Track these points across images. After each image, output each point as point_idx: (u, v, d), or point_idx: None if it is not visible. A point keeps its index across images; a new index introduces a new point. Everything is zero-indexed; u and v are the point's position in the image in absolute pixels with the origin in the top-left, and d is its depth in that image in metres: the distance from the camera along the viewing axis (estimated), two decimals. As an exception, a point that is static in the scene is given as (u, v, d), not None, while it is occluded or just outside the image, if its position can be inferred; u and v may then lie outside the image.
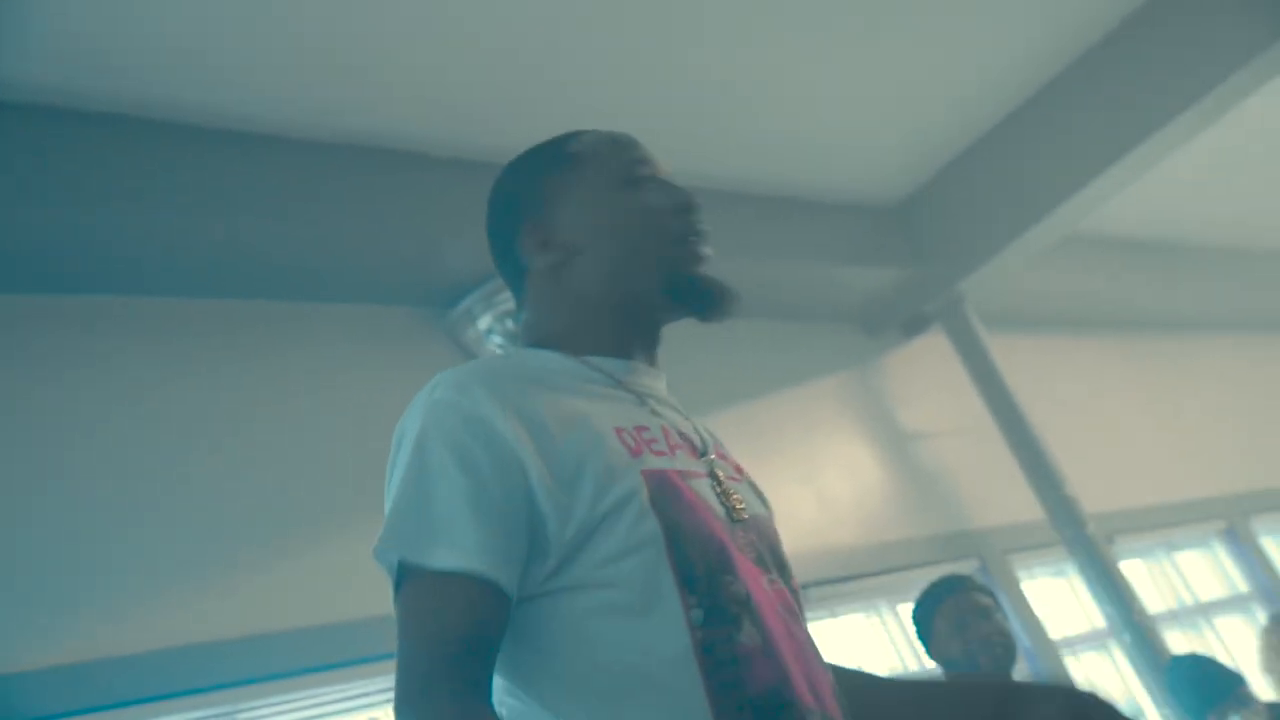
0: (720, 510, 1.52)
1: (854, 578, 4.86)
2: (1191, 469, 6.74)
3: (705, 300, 1.62)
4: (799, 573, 1.67)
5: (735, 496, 1.57)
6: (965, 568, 5.07)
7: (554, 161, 1.70)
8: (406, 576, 1.40)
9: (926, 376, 5.87)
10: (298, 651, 3.66)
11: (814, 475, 5.09)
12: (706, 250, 1.64)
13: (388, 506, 1.45)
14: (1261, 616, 5.98)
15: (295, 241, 4.13)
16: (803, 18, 4.53)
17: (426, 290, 4.48)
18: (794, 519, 4.69)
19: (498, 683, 1.44)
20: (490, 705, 1.37)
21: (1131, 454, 6.44)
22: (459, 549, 1.38)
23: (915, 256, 5.72)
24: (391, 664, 1.47)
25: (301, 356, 4.19)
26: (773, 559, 1.57)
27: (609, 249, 1.63)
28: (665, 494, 1.47)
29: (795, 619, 1.52)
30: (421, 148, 4.39)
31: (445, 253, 4.33)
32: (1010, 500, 5.56)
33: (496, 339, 4.46)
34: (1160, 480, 6.48)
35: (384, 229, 4.32)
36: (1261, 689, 4.73)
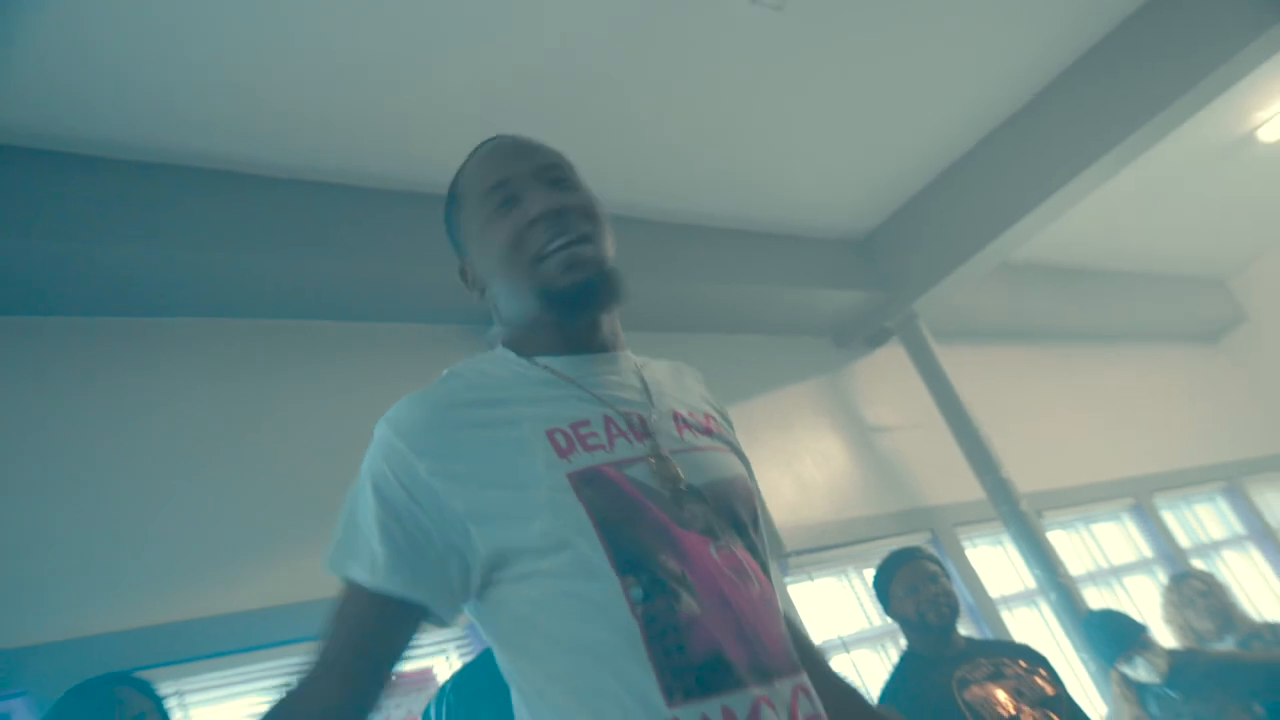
0: (661, 489, 1.45)
1: (826, 548, 4.88)
2: (1105, 455, 6.73)
3: (576, 304, 1.51)
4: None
5: (677, 470, 1.47)
6: (918, 539, 5.13)
7: (451, 203, 1.62)
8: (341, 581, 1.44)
9: (886, 381, 5.88)
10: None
11: (792, 463, 5.10)
12: (569, 250, 1.49)
13: None
14: (1163, 577, 6.01)
15: (364, 273, 4.09)
16: (791, 90, 4.55)
17: (468, 305, 4.42)
18: (776, 500, 4.84)
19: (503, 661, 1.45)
20: (353, 691, 1.38)
21: (1056, 443, 6.44)
22: (367, 567, 1.39)
23: (877, 281, 5.72)
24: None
25: (365, 366, 4.15)
26: (728, 521, 1.49)
27: (500, 280, 1.54)
28: (595, 486, 1.42)
29: (746, 579, 1.45)
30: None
31: None
32: (956, 482, 5.59)
33: None
34: (1080, 464, 6.50)
35: (436, 262, 4.30)
36: (1162, 637, 4.67)
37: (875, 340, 5.90)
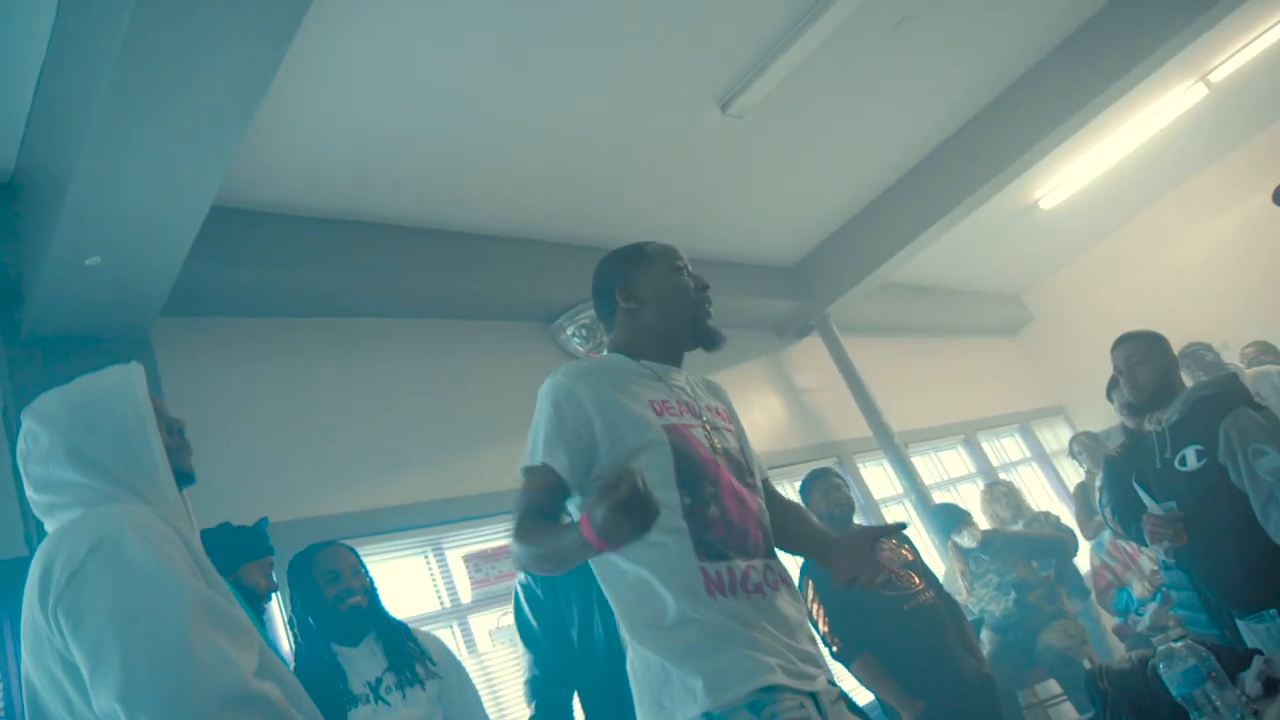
0: (708, 445, 1.60)
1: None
2: (947, 407, 6.79)
3: (709, 341, 1.71)
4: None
5: (716, 438, 1.63)
6: (828, 462, 5.29)
7: (638, 253, 1.73)
8: (524, 474, 1.56)
9: (809, 359, 5.91)
10: (476, 505, 3.57)
11: (747, 413, 4.07)
12: (710, 311, 1.71)
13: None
14: (980, 484, 6.12)
15: (474, 291, 4.00)
16: (745, 169, 4.51)
17: (539, 311, 4.38)
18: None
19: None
20: (544, 518, 1.47)
21: (916, 400, 6.44)
22: (541, 454, 1.52)
23: (803, 293, 5.77)
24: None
25: (469, 355, 4.07)
26: (744, 470, 1.64)
27: (663, 304, 1.68)
28: (675, 434, 1.56)
29: (744, 502, 1.58)
30: (544, 236, 4.32)
31: (550, 291, 4.27)
32: (853, 424, 5.72)
33: (576, 340, 4.40)
34: (931, 413, 6.56)
35: (522, 279, 4.18)
36: (980, 521, 4.94)
37: (802, 333, 5.93)
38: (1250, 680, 1.81)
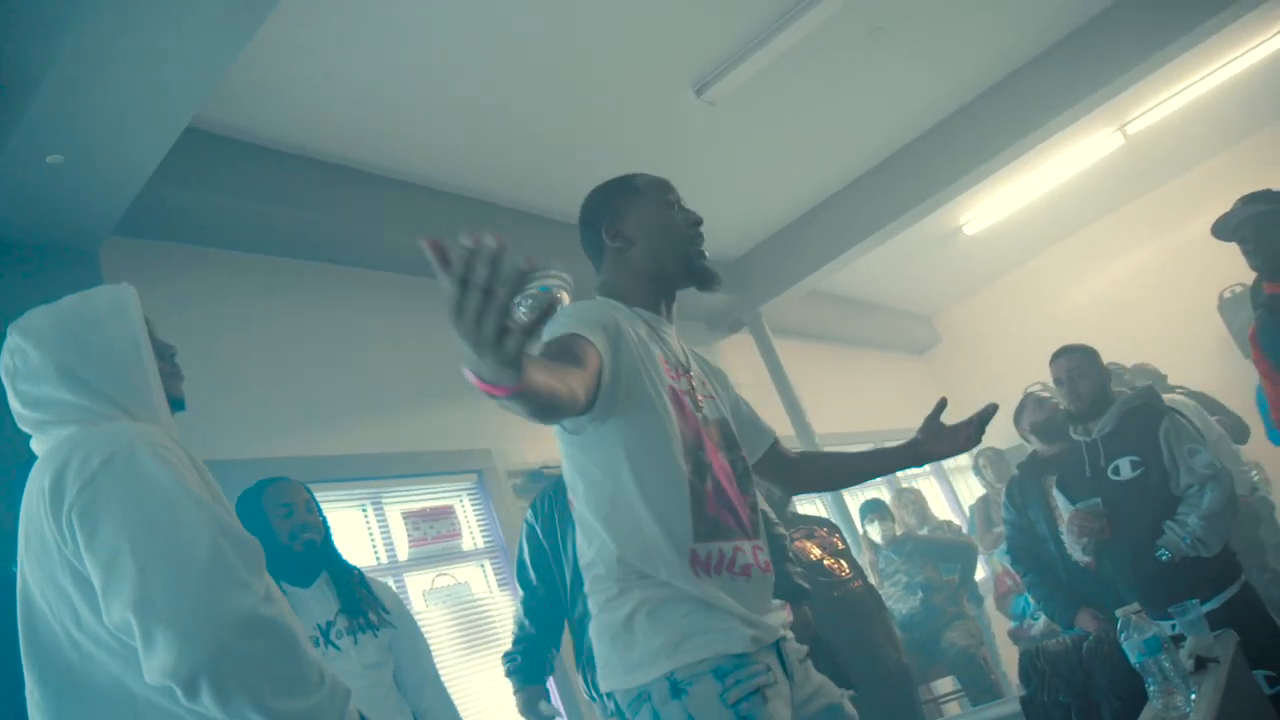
0: (695, 411, 1.55)
1: None
2: (861, 415, 6.88)
3: (703, 279, 1.62)
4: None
5: (702, 401, 1.58)
6: None
7: (626, 187, 1.65)
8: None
9: (739, 354, 5.96)
10: (419, 463, 3.53)
11: None
12: (703, 250, 1.62)
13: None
14: (887, 491, 6.05)
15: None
16: (700, 159, 4.56)
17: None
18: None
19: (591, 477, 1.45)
20: (555, 361, 1.29)
21: (834, 405, 6.42)
22: (569, 329, 1.39)
23: (740, 289, 5.81)
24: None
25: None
26: (727, 440, 1.60)
27: (652, 242, 1.60)
28: (676, 402, 1.52)
29: (732, 476, 1.56)
30: (502, 200, 4.25)
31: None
32: (777, 421, 5.15)
33: (522, 310, 4.29)
34: (848, 420, 6.60)
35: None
36: (893, 528, 5.09)
37: (734, 328, 6.00)
38: (1185, 657, 2.01)
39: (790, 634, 1.54)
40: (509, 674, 2.64)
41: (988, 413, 1.68)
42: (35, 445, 1.40)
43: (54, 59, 2.21)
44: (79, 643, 1.25)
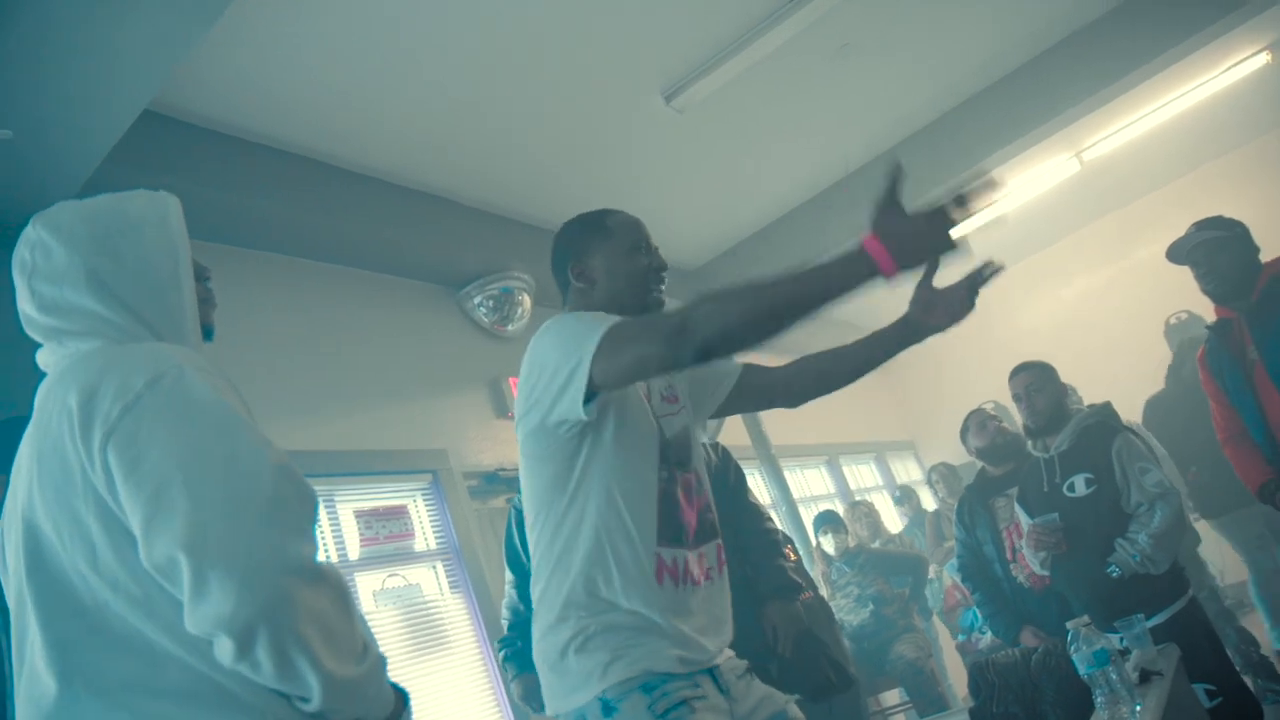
0: (656, 421, 1.58)
1: None
2: (816, 428, 6.84)
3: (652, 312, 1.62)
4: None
5: (664, 424, 1.60)
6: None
7: (598, 227, 1.66)
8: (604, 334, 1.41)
9: None
10: (370, 462, 3.49)
11: None
12: (662, 299, 1.65)
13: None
14: (840, 504, 6.39)
15: (384, 243, 3.85)
16: (668, 167, 4.60)
17: (448, 276, 4.30)
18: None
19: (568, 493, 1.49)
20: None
21: (788, 416, 6.03)
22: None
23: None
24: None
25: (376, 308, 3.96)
26: (684, 459, 1.61)
27: (614, 287, 1.63)
28: (669, 425, 1.58)
29: (691, 491, 1.59)
30: (464, 199, 4.21)
31: (462, 257, 4.20)
32: (733, 432, 5.50)
33: (483, 310, 4.35)
34: (803, 431, 6.48)
35: (435, 240, 4.07)
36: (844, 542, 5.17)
37: None
38: (1130, 670, 2.04)
39: (728, 654, 1.56)
40: (506, 660, 2.61)
41: (979, 275, 1.57)
42: (44, 356, 1.23)
43: (12, 24, 2.15)
44: (91, 584, 1.09)
